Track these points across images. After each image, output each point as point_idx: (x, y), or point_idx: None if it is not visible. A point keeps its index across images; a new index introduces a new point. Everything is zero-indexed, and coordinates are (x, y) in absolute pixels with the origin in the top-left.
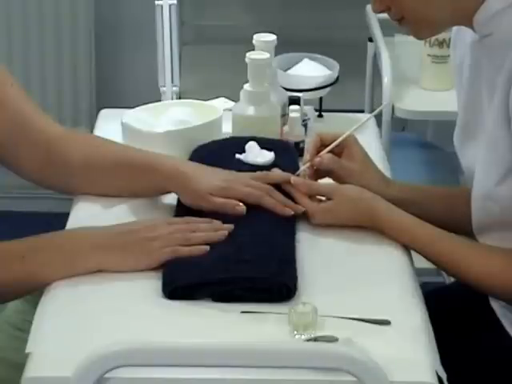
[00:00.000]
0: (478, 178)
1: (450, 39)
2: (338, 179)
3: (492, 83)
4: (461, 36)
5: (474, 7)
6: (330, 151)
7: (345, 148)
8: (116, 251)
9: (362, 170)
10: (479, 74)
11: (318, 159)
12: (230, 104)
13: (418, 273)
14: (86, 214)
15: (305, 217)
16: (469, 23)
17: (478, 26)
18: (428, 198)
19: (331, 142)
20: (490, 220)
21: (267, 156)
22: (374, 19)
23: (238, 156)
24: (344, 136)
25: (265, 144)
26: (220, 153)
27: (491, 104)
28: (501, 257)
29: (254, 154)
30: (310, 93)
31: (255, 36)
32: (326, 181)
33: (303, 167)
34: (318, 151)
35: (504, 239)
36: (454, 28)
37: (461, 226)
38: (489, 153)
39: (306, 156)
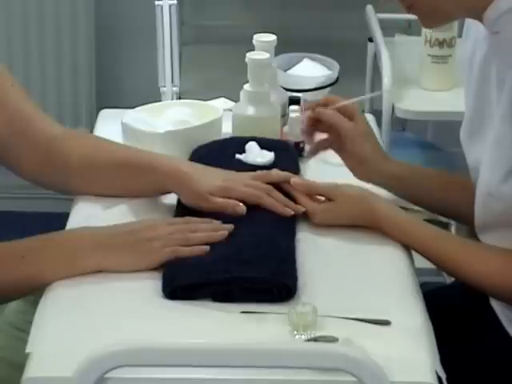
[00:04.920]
0: (483, 174)
1: (450, 39)
2: (335, 140)
3: (501, 79)
4: (473, 29)
5: (485, 3)
6: None
7: (352, 118)
8: (116, 251)
9: (361, 137)
10: (489, 70)
11: (320, 109)
12: (230, 104)
13: (418, 273)
14: (86, 214)
15: (305, 217)
16: (479, 18)
17: (487, 23)
18: (426, 178)
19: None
20: (492, 218)
21: (267, 156)
22: (374, 19)
23: (237, 156)
24: (351, 101)
25: (265, 144)
26: (220, 153)
27: (499, 100)
28: (501, 256)
29: (254, 154)
30: (309, 93)
31: (255, 36)
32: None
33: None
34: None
35: (505, 238)
36: (467, 20)
37: (455, 210)
38: (495, 150)
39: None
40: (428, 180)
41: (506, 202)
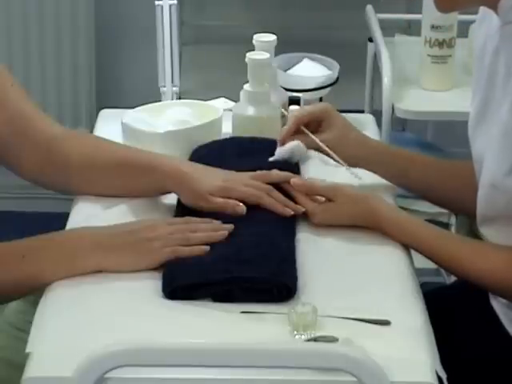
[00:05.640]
0: (488, 166)
1: (450, 39)
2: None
3: (508, 71)
4: (486, 18)
5: None
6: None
7: (323, 120)
8: (116, 251)
9: (338, 137)
10: (498, 63)
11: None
12: (230, 104)
13: (418, 273)
14: (86, 214)
15: (305, 217)
16: (494, 8)
17: (501, 12)
18: (409, 165)
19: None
20: (494, 210)
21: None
22: (374, 19)
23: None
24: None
25: (265, 144)
26: (220, 153)
27: (506, 92)
28: (504, 253)
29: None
30: (309, 93)
31: (255, 36)
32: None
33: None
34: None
35: (507, 231)
36: (481, 9)
37: (439, 198)
38: (502, 142)
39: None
40: (410, 171)
41: (510, 195)
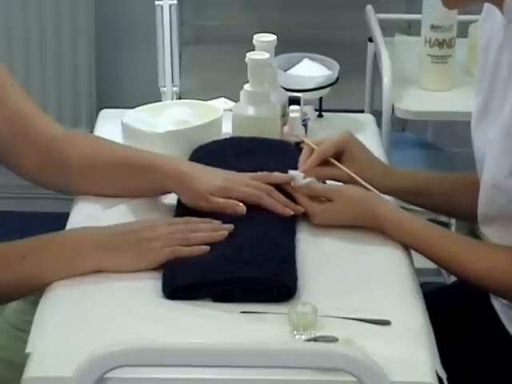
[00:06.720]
0: (489, 166)
1: (450, 39)
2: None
3: (510, 70)
4: (489, 16)
5: None
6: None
7: (344, 151)
8: (116, 251)
9: (362, 168)
10: (501, 59)
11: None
12: (230, 104)
13: (418, 273)
14: (86, 214)
15: (305, 217)
16: (500, 6)
17: (506, 11)
18: (429, 186)
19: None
20: (495, 210)
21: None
22: (374, 19)
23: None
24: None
25: (265, 144)
26: (220, 153)
27: (507, 92)
28: (504, 253)
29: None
30: (309, 93)
31: (255, 36)
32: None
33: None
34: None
35: (507, 231)
36: (484, 6)
37: (457, 210)
38: (503, 142)
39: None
40: (431, 188)
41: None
